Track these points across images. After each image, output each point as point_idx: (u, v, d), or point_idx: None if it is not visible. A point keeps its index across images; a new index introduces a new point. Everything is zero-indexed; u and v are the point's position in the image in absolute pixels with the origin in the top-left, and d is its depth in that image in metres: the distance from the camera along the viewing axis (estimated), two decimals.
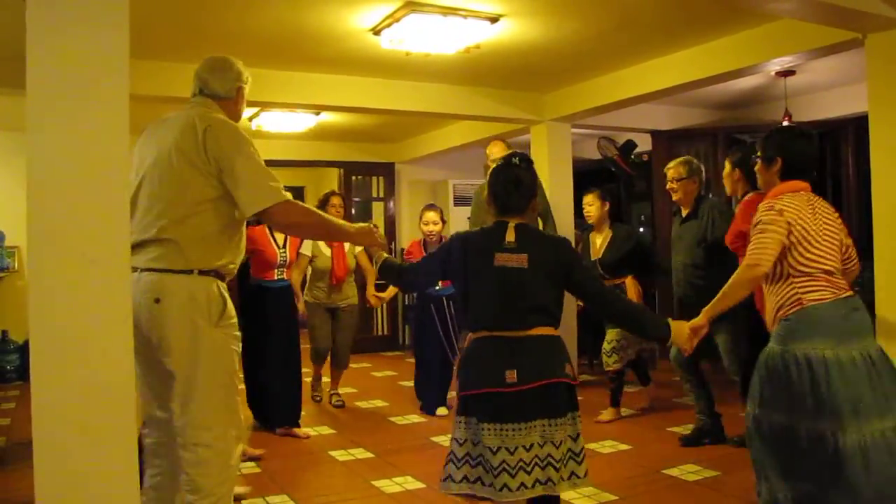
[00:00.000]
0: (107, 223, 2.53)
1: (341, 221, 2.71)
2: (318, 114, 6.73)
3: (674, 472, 3.89)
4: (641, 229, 8.50)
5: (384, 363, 8.09)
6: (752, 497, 3.55)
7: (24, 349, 7.00)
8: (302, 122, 6.95)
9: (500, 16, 4.34)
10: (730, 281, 2.67)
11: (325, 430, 4.94)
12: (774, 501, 2.60)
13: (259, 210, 2.40)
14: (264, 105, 6.15)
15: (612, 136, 7.47)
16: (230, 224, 2.51)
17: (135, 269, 2.46)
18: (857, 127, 6.34)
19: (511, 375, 2.29)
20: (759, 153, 2.81)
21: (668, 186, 4.58)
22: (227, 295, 2.54)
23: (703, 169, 4.57)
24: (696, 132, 7.39)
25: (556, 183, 6.52)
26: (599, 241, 5.17)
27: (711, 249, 4.23)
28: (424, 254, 5.73)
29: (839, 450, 2.39)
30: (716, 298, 2.67)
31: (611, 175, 7.91)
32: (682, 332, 2.56)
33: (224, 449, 2.46)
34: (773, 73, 5.94)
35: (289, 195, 2.46)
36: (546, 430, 2.30)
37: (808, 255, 2.56)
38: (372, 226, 2.70)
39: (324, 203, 5.44)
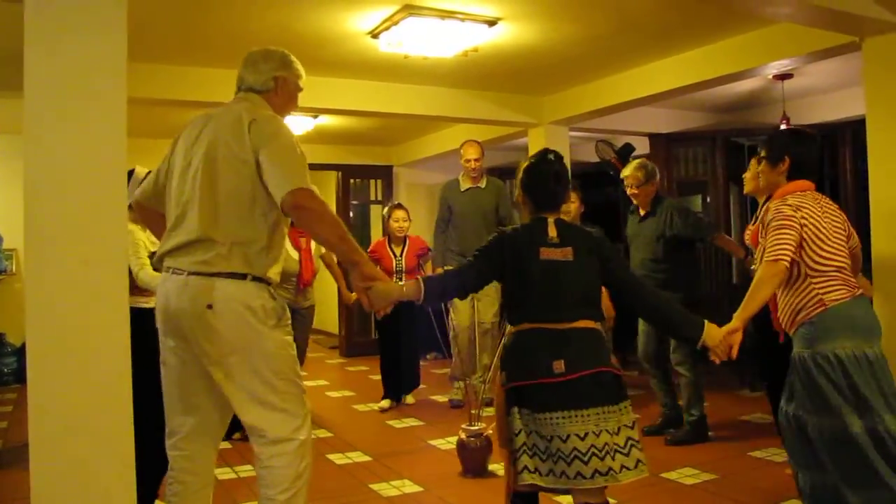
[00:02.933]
0: (104, 226, 2.53)
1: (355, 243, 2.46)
2: (316, 117, 6.73)
3: (672, 475, 3.88)
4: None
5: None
6: (752, 499, 3.55)
7: (21, 352, 7.00)
8: (300, 125, 6.95)
9: (498, 19, 4.34)
10: (755, 280, 2.65)
11: (322, 433, 4.93)
12: (816, 486, 2.62)
13: (286, 192, 2.24)
14: None
15: (609, 140, 7.48)
16: (276, 227, 2.40)
17: (176, 271, 2.37)
18: (854, 130, 6.36)
19: (559, 366, 2.30)
20: (763, 154, 2.84)
21: (628, 192, 4.74)
22: (280, 300, 2.46)
23: (657, 171, 4.75)
24: (693, 135, 7.40)
25: None
26: None
27: (669, 244, 4.52)
28: (389, 252, 5.72)
29: (885, 440, 2.45)
30: (745, 300, 2.65)
31: (609, 178, 7.91)
32: (717, 335, 2.51)
33: (301, 443, 2.41)
34: (770, 77, 5.95)
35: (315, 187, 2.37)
36: (601, 417, 2.29)
37: (822, 253, 2.60)
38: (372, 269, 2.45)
39: None
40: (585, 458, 2.24)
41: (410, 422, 5.31)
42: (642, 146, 7.55)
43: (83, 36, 2.49)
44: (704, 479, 3.81)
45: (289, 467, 2.37)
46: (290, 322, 2.49)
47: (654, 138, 7.40)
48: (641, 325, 4.70)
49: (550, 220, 2.46)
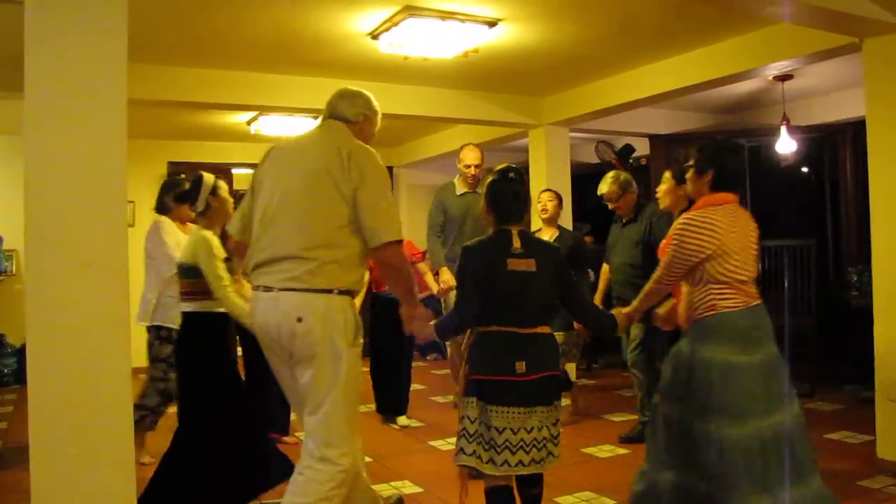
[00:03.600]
0: (104, 227, 2.53)
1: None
2: (316, 118, 6.72)
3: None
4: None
5: None
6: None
7: (21, 353, 6.99)
8: (300, 126, 6.95)
9: (499, 20, 4.35)
10: (644, 289, 2.92)
11: None
12: (653, 485, 2.77)
13: (382, 243, 2.52)
14: (263, 109, 6.15)
15: (610, 140, 7.48)
16: (363, 245, 2.57)
17: (267, 288, 2.53)
18: (854, 131, 6.36)
19: (520, 366, 2.59)
20: (691, 163, 2.91)
21: (610, 206, 4.84)
22: (358, 315, 2.64)
23: (632, 180, 4.83)
24: (693, 136, 7.40)
25: (554, 187, 6.50)
26: (546, 238, 5.20)
27: (648, 250, 4.48)
28: None
29: (722, 446, 2.56)
30: (637, 299, 2.96)
31: None
32: (621, 317, 2.97)
33: (347, 466, 2.53)
34: (770, 78, 5.95)
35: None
36: (543, 415, 2.62)
37: (727, 266, 2.69)
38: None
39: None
40: (528, 449, 2.58)
41: (411, 422, 5.31)
42: (642, 147, 7.55)
43: (83, 37, 2.49)
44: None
45: (322, 485, 2.48)
46: (362, 339, 2.64)
47: (654, 139, 7.40)
48: (631, 332, 4.63)
49: (514, 231, 2.71)
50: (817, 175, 7.32)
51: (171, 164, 8.07)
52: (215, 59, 5.05)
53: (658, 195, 4.12)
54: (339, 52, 4.90)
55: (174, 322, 4.00)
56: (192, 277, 3.24)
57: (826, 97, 6.70)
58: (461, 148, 5.30)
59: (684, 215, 2.83)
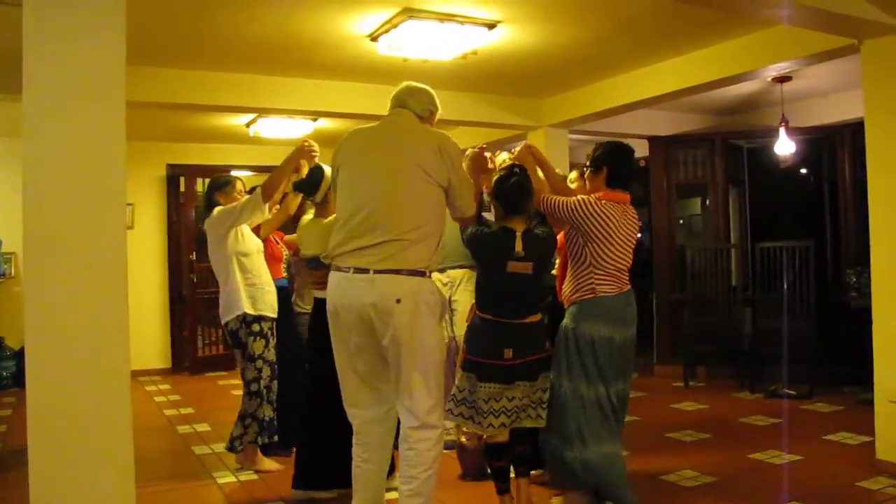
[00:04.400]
0: (104, 230, 2.53)
1: None
2: (315, 120, 6.73)
3: (671, 478, 3.88)
4: (639, 234, 8.52)
5: None
6: (751, 502, 3.55)
7: (20, 355, 6.98)
8: (300, 128, 6.95)
9: (498, 22, 4.35)
10: (545, 177, 3.33)
11: None
12: (563, 462, 3.10)
13: (468, 215, 2.92)
14: (262, 111, 6.15)
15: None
16: (445, 228, 2.83)
17: (360, 270, 2.65)
18: (853, 132, 6.36)
19: (508, 353, 3.00)
20: (587, 162, 3.31)
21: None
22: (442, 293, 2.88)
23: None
24: (692, 138, 7.40)
25: None
26: None
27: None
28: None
29: (568, 402, 3.07)
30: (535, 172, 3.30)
31: None
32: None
33: (443, 430, 2.81)
34: (769, 79, 5.96)
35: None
36: (525, 388, 3.05)
37: (609, 254, 3.11)
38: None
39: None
40: (509, 413, 3.02)
41: None
42: (642, 149, 7.55)
43: (82, 39, 2.49)
44: (703, 482, 3.81)
45: (432, 450, 2.71)
46: (445, 317, 3.01)
47: (653, 141, 7.41)
48: None
49: (518, 232, 3.00)
50: (816, 176, 7.32)
51: (170, 166, 8.08)
52: (214, 61, 5.05)
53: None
54: (339, 55, 4.90)
55: (270, 310, 4.06)
56: (324, 268, 3.19)
57: (825, 99, 6.71)
58: None
59: (590, 195, 3.17)
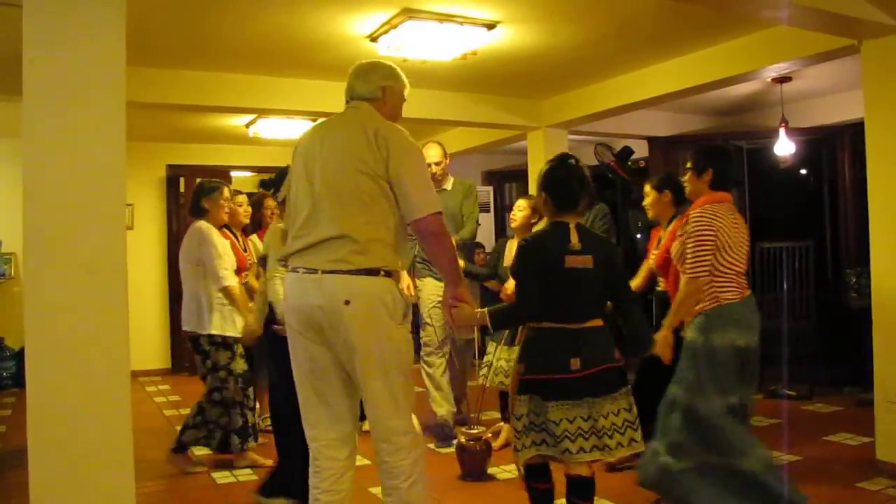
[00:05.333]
0: (103, 230, 2.53)
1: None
2: (315, 120, 6.72)
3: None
4: (639, 235, 8.51)
5: None
6: None
7: (20, 356, 6.99)
8: (299, 128, 6.94)
9: (497, 22, 4.35)
10: (678, 297, 3.06)
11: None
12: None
13: (424, 215, 2.44)
14: (261, 112, 6.15)
15: (608, 143, 7.47)
16: (400, 225, 2.53)
17: (309, 270, 2.45)
18: (853, 133, 6.36)
19: (575, 363, 2.59)
20: (689, 164, 3.17)
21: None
22: (404, 294, 2.58)
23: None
24: (692, 138, 7.40)
25: None
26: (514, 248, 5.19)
27: None
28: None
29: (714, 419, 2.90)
30: (672, 311, 3.07)
31: (608, 182, 7.91)
32: (662, 342, 3.02)
33: (415, 435, 2.55)
34: (769, 80, 5.96)
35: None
36: (602, 405, 2.60)
37: (728, 259, 2.98)
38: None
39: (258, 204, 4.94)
40: (587, 436, 2.57)
41: None
42: (641, 149, 7.55)
43: (82, 40, 2.49)
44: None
45: (406, 458, 2.50)
46: (411, 319, 2.61)
47: (653, 141, 7.41)
48: None
49: (571, 225, 2.68)
50: (816, 177, 7.32)
51: (170, 166, 8.08)
52: (214, 61, 5.05)
53: (645, 207, 4.08)
54: (338, 55, 4.90)
55: (233, 329, 4.04)
56: None
57: (824, 99, 6.71)
58: (422, 146, 5.24)
59: (695, 210, 3.03)
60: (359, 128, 2.50)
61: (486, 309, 2.68)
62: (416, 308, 4.96)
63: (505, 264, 4.97)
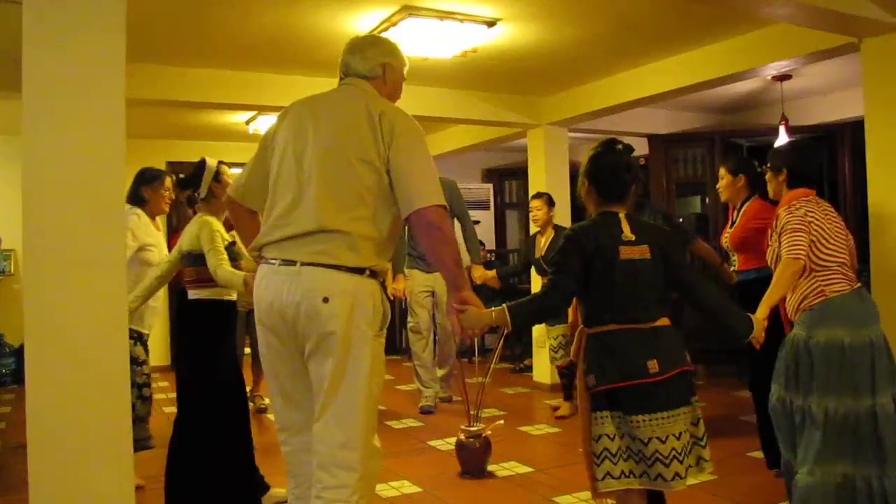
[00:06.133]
0: (103, 227, 2.53)
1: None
2: None
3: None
4: None
5: None
6: (750, 500, 3.55)
7: (19, 353, 6.99)
8: None
9: (497, 20, 4.34)
10: (775, 277, 2.93)
11: None
12: (790, 471, 2.92)
13: (423, 206, 2.16)
14: (262, 109, 6.14)
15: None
16: (396, 222, 2.28)
17: (287, 262, 2.17)
18: (853, 131, 6.36)
19: (653, 365, 2.27)
20: (768, 164, 3.16)
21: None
22: (387, 303, 2.29)
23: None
24: (692, 136, 7.40)
25: (553, 187, 6.52)
26: (543, 242, 5.42)
27: None
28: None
29: (862, 419, 2.75)
30: (768, 293, 2.92)
31: None
32: (760, 323, 2.59)
33: (368, 476, 2.20)
34: (769, 78, 5.96)
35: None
36: (686, 416, 2.32)
37: (826, 251, 2.89)
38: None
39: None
40: (681, 458, 2.26)
41: (409, 422, 5.31)
42: (641, 147, 7.55)
43: (82, 37, 2.49)
44: (703, 480, 3.80)
45: (343, 501, 2.13)
46: (385, 332, 2.31)
47: (652, 139, 7.41)
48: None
49: (621, 215, 2.40)
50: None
51: (170, 163, 8.07)
52: (215, 58, 5.04)
53: (719, 189, 4.01)
54: (338, 52, 4.84)
55: (144, 325, 3.85)
56: (198, 265, 3.21)
57: (824, 97, 6.71)
58: None
59: (782, 209, 3.00)
60: (361, 109, 2.24)
61: (504, 306, 2.34)
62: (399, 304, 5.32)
63: (537, 256, 5.19)
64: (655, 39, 4.90)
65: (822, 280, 2.89)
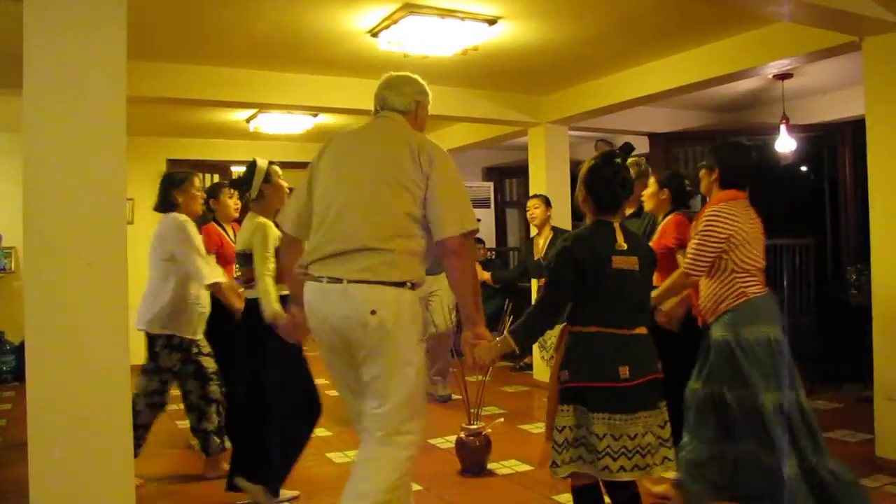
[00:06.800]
0: (104, 224, 2.54)
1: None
2: (315, 115, 6.73)
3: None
4: None
5: None
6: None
7: (20, 350, 6.99)
8: (300, 123, 6.95)
9: (498, 18, 4.34)
10: (667, 283, 3.11)
11: (322, 432, 4.93)
12: (707, 460, 2.99)
13: (454, 234, 2.44)
14: (262, 107, 6.15)
15: (609, 139, 7.48)
16: (430, 238, 2.51)
17: (334, 280, 2.43)
18: (854, 130, 6.36)
19: (624, 371, 2.42)
20: (703, 162, 3.16)
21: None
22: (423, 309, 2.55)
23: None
24: (693, 135, 7.40)
25: (553, 186, 6.53)
26: (542, 243, 5.42)
27: None
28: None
29: (778, 413, 2.83)
30: (661, 291, 3.10)
31: None
32: (661, 314, 3.20)
33: (414, 452, 2.52)
34: (770, 76, 5.95)
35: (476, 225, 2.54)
36: (647, 420, 2.45)
37: (749, 256, 2.94)
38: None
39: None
40: (630, 455, 2.40)
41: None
42: (642, 145, 7.55)
43: (83, 34, 2.49)
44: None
45: (391, 471, 2.44)
46: (425, 341, 2.58)
47: (653, 138, 7.41)
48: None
49: (616, 225, 2.55)
50: (816, 174, 7.32)
51: (171, 161, 8.07)
52: (215, 56, 5.04)
53: (643, 199, 4.05)
54: (339, 50, 4.90)
55: (192, 332, 3.81)
56: (250, 264, 3.27)
57: (825, 96, 6.71)
58: None
59: (711, 208, 3.01)
60: (403, 141, 2.51)
61: (505, 334, 2.55)
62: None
63: (536, 257, 5.19)
64: (656, 37, 4.90)
65: (743, 282, 2.94)
